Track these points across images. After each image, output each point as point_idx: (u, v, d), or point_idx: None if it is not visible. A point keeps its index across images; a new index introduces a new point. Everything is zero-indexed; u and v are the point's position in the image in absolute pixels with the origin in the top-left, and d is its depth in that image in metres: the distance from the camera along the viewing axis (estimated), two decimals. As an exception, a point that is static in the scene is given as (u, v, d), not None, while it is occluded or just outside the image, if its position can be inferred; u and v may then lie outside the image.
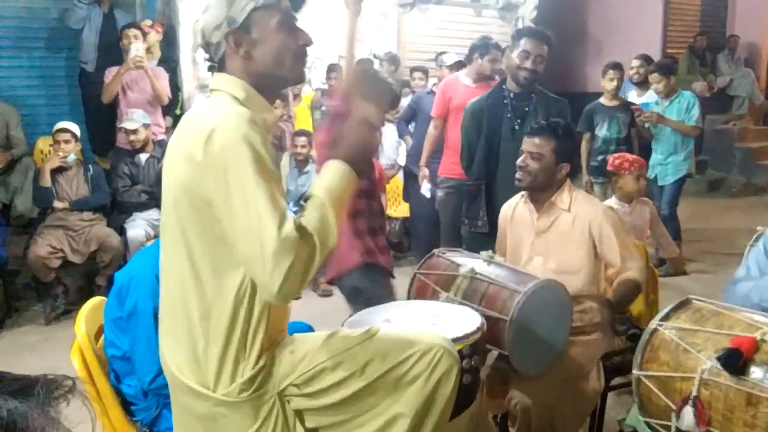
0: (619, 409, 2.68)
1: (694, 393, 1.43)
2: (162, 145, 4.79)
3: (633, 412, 1.93)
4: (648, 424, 1.64)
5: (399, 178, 5.68)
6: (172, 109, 5.22)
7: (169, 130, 5.13)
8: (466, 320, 1.73)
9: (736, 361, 1.36)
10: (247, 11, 1.41)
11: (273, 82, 1.49)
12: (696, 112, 5.03)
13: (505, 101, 3.04)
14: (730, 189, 8.49)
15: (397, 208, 5.54)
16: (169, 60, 5.40)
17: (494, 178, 3.04)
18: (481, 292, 2.03)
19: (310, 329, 2.18)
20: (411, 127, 5.17)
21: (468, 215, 3.13)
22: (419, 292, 2.19)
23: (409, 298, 2.23)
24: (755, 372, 1.36)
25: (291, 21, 1.46)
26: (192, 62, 5.50)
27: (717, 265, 5.23)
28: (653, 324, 1.59)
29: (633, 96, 5.54)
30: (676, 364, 1.50)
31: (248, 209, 1.27)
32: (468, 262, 2.17)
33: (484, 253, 2.23)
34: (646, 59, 5.55)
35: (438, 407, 1.41)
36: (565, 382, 2.15)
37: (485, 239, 2.80)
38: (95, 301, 2.06)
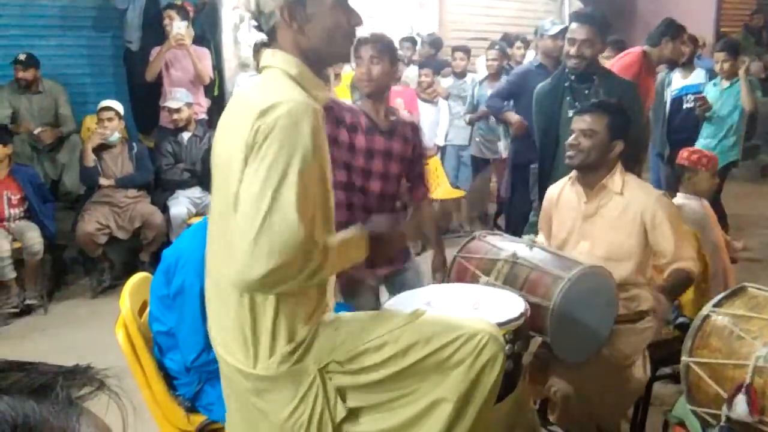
0: (664, 399, 2.61)
1: (748, 380, 1.37)
2: (203, 124, 4.85)
3: (680, 403, 1.87)
4: (695, 414, 1.58)
5: (437, 159, 5.63)
6: (210, 90, 5.27)
7: (210, 110, 5.19)
8: (509, 305, 1.69)
9: None
10: None
11: (322, 59, 1.48)
12: (759, 92, 4.84)
13: (566, 84, 2.96)
14: (782, 176, 8.15)
15: (436, 190, 5.48)
16: (207, 40, 5.42)
17: (553, 161, 2.97)
18: (523, 277, 1.99)
19: (348, 309, 2.17)
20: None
21: (532, 196, 3.11)
22: (459, 275, 2.16)
23: (448, 280, 2.20)
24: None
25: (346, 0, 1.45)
26: (234, 41, 5.52)
27: (766, 252, 5.05)
28: (705, 310, 1.53)
29: (677, 78, 5.32)
30: (728, 351, 1.45)
31: (266, 190, 1.27)
32: (510, 246, 2.12)
33: (526, 238, 2.18)
34: (693, 39, 5.31)
35: (482, 394, 1.39)
36: (609, 371, 2.10)
37: None
38: (140, 276, 2.10)
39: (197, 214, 4.43)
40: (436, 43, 5.85)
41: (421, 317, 1.43)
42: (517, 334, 1.60)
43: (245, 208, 1.28)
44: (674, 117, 5.19)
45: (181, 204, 4.43)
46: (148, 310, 2.03)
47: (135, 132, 5.35)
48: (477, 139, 5.33)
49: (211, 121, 5.11)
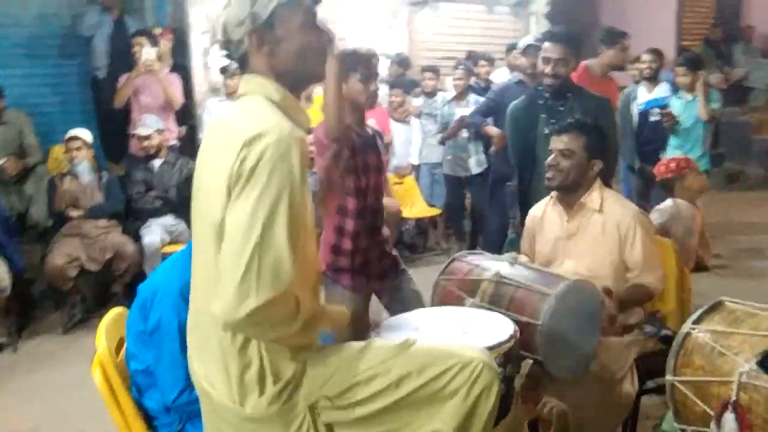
0: (651, 412, 2.60)
1: (734, 397, 1.37)
2: (175, 150, 4.78)
3: (669, 418, 1.86)
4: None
5: (412, 178, 5.64)
6: (185, 115, 5.21)
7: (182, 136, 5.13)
8: (498, 327, 1.67)
9: None
10: (271, 8, 1.38)
11: (297, 80, 1.46)
12: (717, 97, 4.98)
13: (541, 102, 2.99)
14: (747, 182, 8.37)
15: (411, 209, 5.48)
16: (180, 66, 5.38)
17: (531, 179, 2.98)
18: (509, 296, 1.98)
19: (332, 339, 2.13)
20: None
21: (510, 215, 3.11)
22: (444, 297, 2.14)
23: (432, 304, 2.18)
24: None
25: (313, 18, 1.44)
26: (204, 66, 5.49)
27: (736, 260, 5.14)
28: (685, 328, 1.53)
29: (643, 92, 5.43)
30: (712, 368, 1.45)
31: (255, 223, 1.23)
32: (492, 265, 2.11)
33: (507, 255, 2.18)
34: (658, 53, 5.45)
35: (478, 424, 1.36)
36: (600, 386, 2.09)
37: None
38: (115, 312, 2.02)
39: (172, 242, 4.34)
40: (404, 62, 5.90)
41: (412, 347, 1.39)
42: (508, 356, 1.58)
43: (233, 243, 1.24)
44: (642, 130, 5.29)
45: (154, 232, 4.34)
46: (124, 347, 1.96)
47: (104, 161, 5.25)
48: (448, 158, 5.36)
49: (183, 148, 5.05)
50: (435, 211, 5.52)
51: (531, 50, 4.06)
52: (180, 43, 5.46)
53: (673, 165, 3.42)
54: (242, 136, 1.27)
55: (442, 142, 5.38)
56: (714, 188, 7.71)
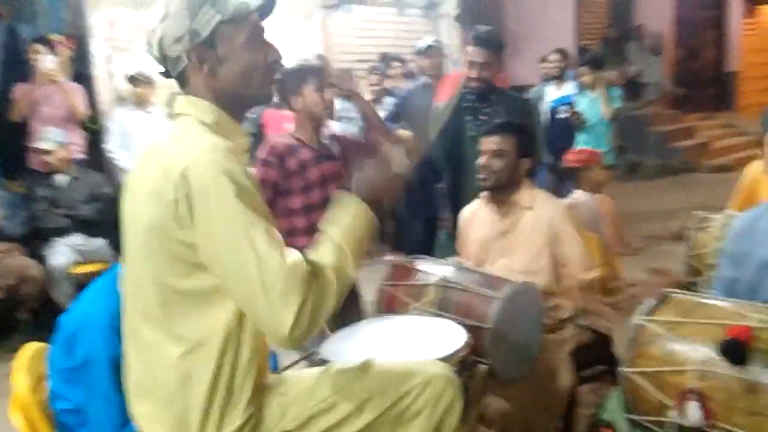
0: (585, 403, 2.69)
1: (694, 386, 1.41)
2: (82, 164, 4.49)
3: (610, 406, 1.92)
4: (637, 423, 1.61)
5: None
6: (89, 126, 4.90)
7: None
8: (450, 335, 1.66)
9: (738, 351, 1.36)
10: (212, 25, 1.27)
11: (240, 102, 1.36)
12: (619, 102, 5.24)
13: (466, 104, 3.02)
14: (646, 172, 8.92)
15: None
16: (81, 75, 5.05)
17: (461, 180, 3.02)
18: (456, 300, 1.97)
19: (273, 357, 2.05)
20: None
21: (439, 216, 3.13)
22: (388, 303, 2.11)
23: (376, 310, 2.14)
24: (750, 360, 1.36)
25: (260, 35, 1.34)
26: (108, 75, 5.18)
27: (639, 247, 5.43)
28: (638, 320, 1.57)
29: (552, 90, 5.66)
30: (667, 358, 1.49)
31: (240, 247, 1.16)
32: (437, 269, 2.10)
33: (451, 260, 2.18)
34: (565, 53, 5.70)
35: None
36: (540, 382, 2.13)
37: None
38: (34, 348, 1.84)
39: (83, 263, 4.06)
40: (324, 63, 5.83)
41: (372, 368, 1.35)
42: (463, 364, 1.57)
43: (233, 276, 1.17)
44: (551, 127, 5.50)
45: (61, 253, 4.05)
46: (46, 385, 1.78)
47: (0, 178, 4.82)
48: (367, 160, 5.34)
49: (90, 160, 4.74)
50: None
51: (431, 51, 4.10)
52: (80, 50, 5.13)
53: (581, 156, 3.58)
54: (177, 165, 1.18)
55: None
56: (617, 180, 8.19)
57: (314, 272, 1.19)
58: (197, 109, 1.30)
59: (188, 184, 1.16)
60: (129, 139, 4.88)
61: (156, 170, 1.23)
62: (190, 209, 1.17)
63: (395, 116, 4.52)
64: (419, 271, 2.13)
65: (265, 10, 1.36)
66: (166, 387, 1.26)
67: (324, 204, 2.38)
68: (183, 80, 1.33)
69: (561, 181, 5.39)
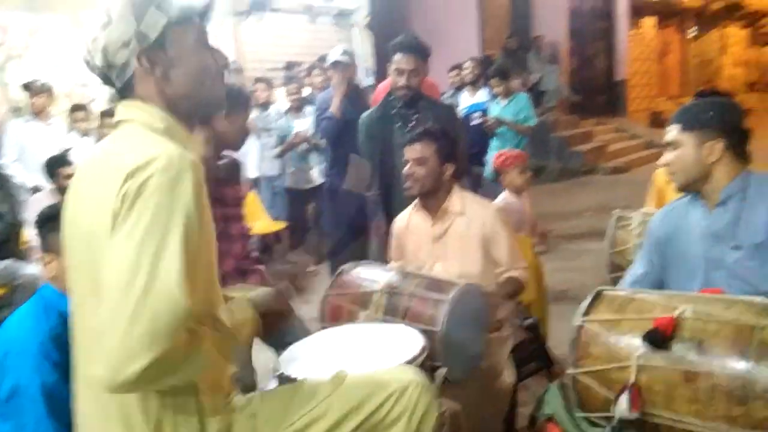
0: (524, 400, 2.77)
1: (632, 380, 1.48)
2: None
3: (549, 400, 1.98)
4: (589, 420, 1.67)
5: (253, 194, 5.46)
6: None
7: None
8: (407, 340, 1.66)
9: (657, 339, 1.45)
10: (161, 26, 1.21)
11: (193, 107, 1.30)
12: (532, 113, 5.47)
13: (393, 111, 3.03)
14: (550, 175, 9.39)
15: (256, 225, 5.30)
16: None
17: (392, 187, 3.02)
18: (403, 305, 1.97)
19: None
20: None
21: (371, 224, 3.10)
22: (334, 314, 2.08)
23: (322, 320, 2.10)
24: (680, 349, 1.45)
25: (206, 38, 1.29)
26: (1, 84, 4.79)
27: (552, 245, 5.67)
28: (577, 321, 1.63)
29: (466, 97, 5.85)
30: (609, 356, 1.55)
31: (141, 260, 1.05)
32: (381, 276, 2.10)
33: (395, 264, 2.18)
34: (478, 61, 5.90)
35: None
36: (485, 382, 2.17)
37: None
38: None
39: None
40: (239, 71, 5.71)
41: (345, 381, 1.31)
42: (423, 368, 1.56)
43: (114, 288, 1.04)
44: (466, 133, 5.66)
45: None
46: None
47: None
48: (290, 171, 5.28)
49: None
50: (280, 225, 5.40)
51: (339, 66, 4.10)
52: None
53: (501, 159, 3.69)
54: (124, 169, 1.10)
55: (281, 156, 5.29)
56: (524, 183, 8.58)
57: (194, 335, 1.10)
58: (146, 114, 1.23)
59: (134, 184, 1.08)
60: (26, 153, 4.55)
61: (101, 176, 1.15)
62: (122, 210, 1.08)
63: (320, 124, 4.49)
64: (364, 278, 2.11)
65: (207, 13, 1.31)
66: (123, 421, 1.17)
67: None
68: (129, 89, 1.26)
69: (475, 187, 5.58)
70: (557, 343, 2.86)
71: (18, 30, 4.91)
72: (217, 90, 1.32)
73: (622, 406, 1.48)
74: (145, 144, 1.17)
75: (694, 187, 1.86)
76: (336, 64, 4.10)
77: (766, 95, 19.44)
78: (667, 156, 1.88)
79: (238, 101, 2.22)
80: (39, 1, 5.31)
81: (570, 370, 1.61)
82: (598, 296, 1.70)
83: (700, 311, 1.47)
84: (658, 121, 13.22)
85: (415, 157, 2.38)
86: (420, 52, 2.93)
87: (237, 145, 2.31)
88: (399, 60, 2.91)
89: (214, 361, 1.18)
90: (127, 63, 1.22)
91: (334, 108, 4.00)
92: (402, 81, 2.91)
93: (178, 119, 1.27)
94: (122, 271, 1.04)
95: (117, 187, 1.09)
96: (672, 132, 1.87)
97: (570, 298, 4.11)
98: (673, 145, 1.87)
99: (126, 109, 1.25)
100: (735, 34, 18.80)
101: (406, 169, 2.40)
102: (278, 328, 1.43)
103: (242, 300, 1.34)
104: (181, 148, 1.18)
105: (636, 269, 2.06)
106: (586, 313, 1.65)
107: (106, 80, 1.27)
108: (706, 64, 17.50)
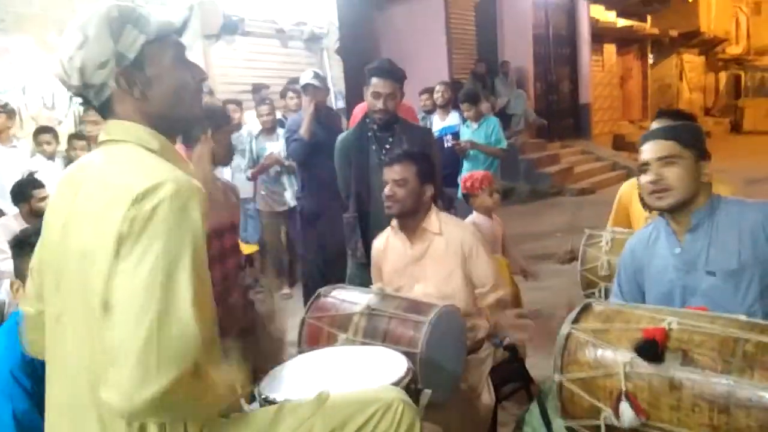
0: (504, 420, 2.77)
1: (623, 388, 1.50)
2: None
3: (530, 420, 1.99)
4: (570, 428, 1.68)
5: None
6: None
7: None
8: (389, 362, 1.65)
9: (653, 350, 1.46)
10: (138, 46, 1.21)
11: (173, 125, 1.30)
12: (502, 135, 5.56)
13: (369, 134, 3.05)
14: (519, 196, 9.53)
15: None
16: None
17: (368, 209, 3.02)
18: (383, 328, 1.97)
19: None
20: None
21: (348, 246, 3.08)
22: (312, 337, 2.06)
23: (300, 345, 2.08)
24: (666, 358, 1.48)
25: (183, 54, 1.29)
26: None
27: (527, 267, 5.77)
28: (566, 329, 1.65)
29: (437, 120, 5.92)
30: (596, 364, 1.57)
31: (154, 291, 1.05)
32: (360, 298, 2.09)
33: (375, 287, 2.18)
34: (449, 85, 5.99)
35: None
36: (464, 403, 2.17)
37: (368, 269, 2.76)
38: None
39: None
40: (212, 92, 5.68)
41: (328, 400, 1.30)
42: (408, 390, 1.56)
43: (125, 314, 1.05)
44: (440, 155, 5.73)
45: None
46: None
47: None
48: (263, 193, 5.25)
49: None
50: (252, 248, 5.34)
51: (309, 89, 4.15)
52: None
53: (469, 183, 3.73)
54: (130, 190, 1.09)
55: (254, 178, 5.25)
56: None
57: (204, 369, 1.12)
58: (136, 135, 1.23)
59: (143, 209, 1.08)
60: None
61: (100, 197, 1.13)
62: (130, 234, 1.07)
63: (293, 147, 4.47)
64: (342, 300, 2.10)
65: (185, 30, 1.31)
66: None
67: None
68: (107, 107, 1.25)
69: (448, 208, 5.62)
70: (533, 362, 2.88)
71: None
72: (195, 106, 1.32)
73: (628, 414, 1.48)
74: (148, 166, 1.16)
75: (680, 207, 1.84)
76: (306, 87, 4.13)
77: (720, 120, 20.20)
78: (663, 171, 1.82)
79: (222, 118, 2.24)
80: (6, 22, 5.24)
81: (556, 377, 1.62)
82: (586, 308, 1.72)
83: (686, 323, 1.50)
84: (621, 144, 13.61)
85: (395, 179, 2.40)
86: (396, 76, 2.97)
87: (227, 161, 2.33)
88: (376, 84, 2.95)
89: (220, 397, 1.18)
90: (104, 83, 1.21)
91: (303, 130, 4.04)
92: (379, 104, 2.94)
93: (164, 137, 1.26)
94: (134, 299, 1.05)
95: (123, 210, 1.08)
96: (668, 147, 1.83)
97: (543, 318, 4.15)
98: (667, 160, 1.82)
99: (115, 129, 1.24)
100: (691, 60, 19.53)
101: (386, 190, 2.41)
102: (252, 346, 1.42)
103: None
104: (179, 170, 1.18)
105: (612, 297, 2.10)
106: (575, 321, 1.66)
107: (84, 99, 1.26)
108: (666, 89, 18.11)
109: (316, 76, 4.19)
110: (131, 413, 1.04)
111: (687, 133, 1.88)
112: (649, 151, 1.87)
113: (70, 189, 1.23)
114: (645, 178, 1.88)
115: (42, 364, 1.48)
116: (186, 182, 1.14)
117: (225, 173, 5.35)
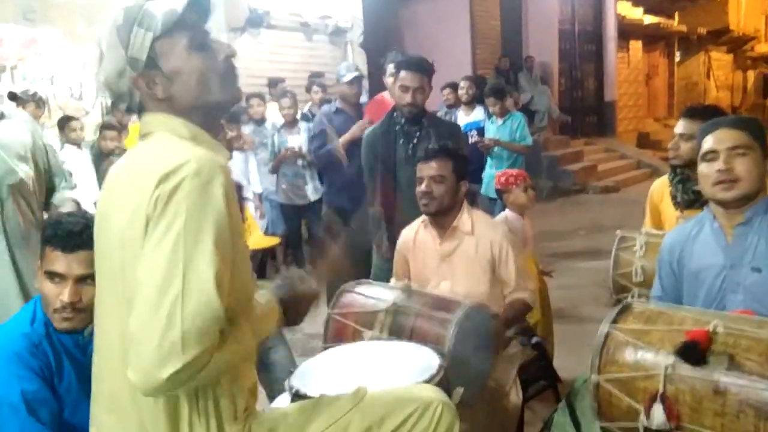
0: (531, 419, 2.73)
1: (661, 390, 1.46)
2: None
3: (558, 421, 1.95)
4: (607, 430, 1.64)
5: (247, 210, 5.41)
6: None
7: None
8: (420, 359, 1.63)
9: (695, 352, 1.42)
10: (147, 45, 1.20)
11: (208, 112, 1.28)
12: (527, 132, 5.48)
13: (397, 128, 3.03)
14: (541, 193, 9.42)
15: (250, 240, 5.25)
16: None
17: (394, 203, 3.00)
18: (409, 325, 1.94)
19: None
20: None
21: (374, 241, 3.07)
22: (338, 334, 2.04)
23: (326, 341, 2.06)
24: (710, 362, 1.43)
25: (202, 36, 1.26)
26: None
27: (547, 263, 5.68)
28: (605, 328, 1.60)
29: (462, 116, 5.86)
30: (635, 365, 1.53)
31: (176, 266, 1.06)
32: (386, 294, 2.06)
33: (399, 283, 2.15)
34: (474, 80, 5.92)
35: None
36: (492, 402, 2.14)
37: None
38: None
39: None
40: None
41: (366, 396, 1.29)
42: (440, 387, 1.53)
43: (148, 292, 1.05)
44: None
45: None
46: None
47: None
48: (284, 186, 5.25)
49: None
50: (274, 240, 5.34)
51: (356, 81, 4.10)
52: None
53: (503, 178, 3.68)
54: (156, 173, 1.10)
55: (275, 171, 5.25)
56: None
57: (225, 336, 1.12)
58: (170, 126, 1.23)
59: (165, 188, 1.09)
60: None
61: (133, 182, 1.15)
62: (154, 213, 1.08)
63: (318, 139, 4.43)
64: (368, 296, 2.08)
65: (202, 11, 1.27)
66: (139, 412, 1.17)
67: None
68: (144, 108, 1.27)
69: (472, 205, 5.57)
70: (559, 362, 2.84)
71: (13, 41, 4.87)
72: (227, 87, 1.28)
73: (660, 417, 1.45)
74: (175, 149, 1.17)
75: (743, 201, 1.77)
76: (353, 81, 4.05)
77: (749, 118, 19.77)
78: (734, 161, 1.75)
79: (231, 116, 2.24)
80: (35, 13, 5.29)
81: (593, 377, 1.58)
82: (626, 308, 1.68)
83: (732, 327, 1.45)
84: (645, 142, 13.42)
85: (432, 175, 2.36)
86: (425, 70, 2.95)
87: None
88: (404, 77, 2.92)
89: (241, 359, 1.20)
90: (129, 90, 1.23)
91: (340, 151, 3.88)
92: (407, 98, 2.92)
93: (199, 127, 1.25)
94: (156, 276, 1.06)
95: (150, 191, 1.09)
96: (739, 137, 1.76)
97: (567, 317, 4.10)
98: (738, 150, 1.75)
99: (149, 122, 1.25)
100: (719, 58, 19.16)
101: (422, 186, 2.37)
102: (305, 310, 1.42)
103: (265, 292, 1.34)
104: (211, 152, 1.18)
105: (653, 293, 2.05)
106: (615, 321, 1.62)
107: (127, 107, 1.29)
108: (692, 86, 17.79)
109: (357, 68, 4.15)
110: (151, 390, 1.05)
111: (756, 126, 1.82)
112: (717, 139, 1.79)
113: (109, 181, 1.26)
114: (711, 167, 1.80)
115: (50, 348, 1.54)
116: (209, 161, 1.13)
117: (252, 165, 5.38)
